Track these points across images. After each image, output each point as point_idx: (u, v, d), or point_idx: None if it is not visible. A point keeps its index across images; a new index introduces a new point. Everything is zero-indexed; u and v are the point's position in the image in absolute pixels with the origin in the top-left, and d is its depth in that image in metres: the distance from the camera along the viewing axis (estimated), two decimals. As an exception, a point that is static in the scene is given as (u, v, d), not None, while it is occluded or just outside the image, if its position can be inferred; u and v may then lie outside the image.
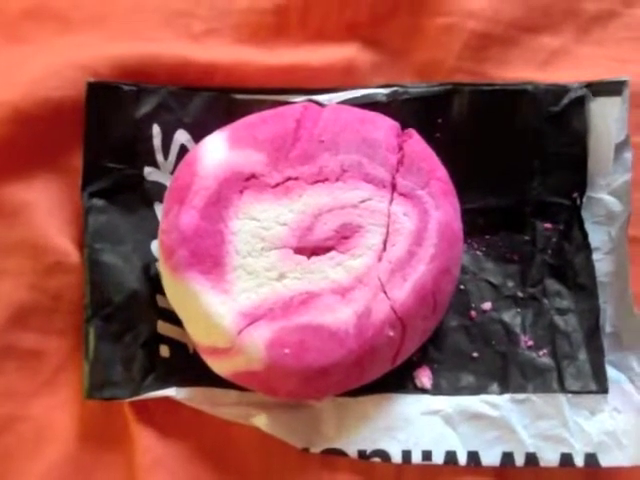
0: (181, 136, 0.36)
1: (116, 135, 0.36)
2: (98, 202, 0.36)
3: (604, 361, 0.35)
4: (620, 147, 0.36)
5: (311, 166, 0.32)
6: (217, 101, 0.37)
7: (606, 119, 0.36)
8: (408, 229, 0.32)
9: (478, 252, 0.37)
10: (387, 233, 0.32)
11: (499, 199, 0.37)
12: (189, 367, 0.34)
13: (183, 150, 0.36)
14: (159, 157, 0.36)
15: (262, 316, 0.31)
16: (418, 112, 0.37)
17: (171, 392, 0.34)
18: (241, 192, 0.32)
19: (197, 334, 0.32)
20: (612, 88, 0.37)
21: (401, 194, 0.33)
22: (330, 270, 0.31)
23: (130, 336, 0.34)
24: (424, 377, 0.35)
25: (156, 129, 0.36)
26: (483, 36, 0.39)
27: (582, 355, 0.35)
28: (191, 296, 0.31)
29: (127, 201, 0.36)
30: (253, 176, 0.32)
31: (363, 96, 0.37)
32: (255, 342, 0.31)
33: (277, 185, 0.32)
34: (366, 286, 0.31)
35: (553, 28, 0.40)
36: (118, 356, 0.34)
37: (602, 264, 0.36)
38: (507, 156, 0.37)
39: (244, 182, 0.32)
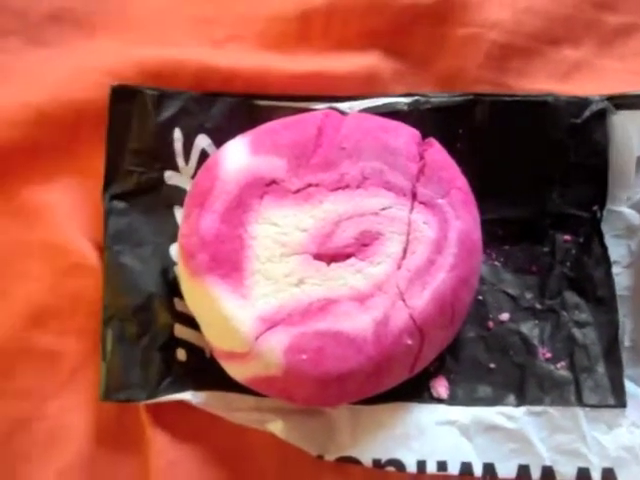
0: (202, 141, 0.37)
1: (138, 139, 0.36)
2: (119, 204, 0.36)
3: (623, 375, 0.35)
4: (640, 161, 0.36)
5: (332, 173, 0.32)
6: (239, 107, 0.37)
7: (628, 132, 0.36)
8: (428, 237, 0.32)
9: (496, 263, 0.37)
10: (407, 241, 0.32)
11: (519, 210, 0.37)
12: (206, 371, 0.34)
13: (204, 155, 0.36)
14: (180, 161, 0.36)
15: (280, 321, 0.31)
16: (439, 122, 0.37)
17: (187, 396, 0.34)
18: (261, 197, 0.32)
19: (215, 338, 0.32)
20: (634, 101, 0.37)
21: (421, 202, 0.33)
22: (349, 277, 0.31)
23: (147, 339, 0.35)
24: (441, 387, 0.35)
25: (177, 133, 0.36)
26: (505, 47, 0.39)
27: (600, 368, 0.35)
28: (210, 300, 0.31)
29: (147, 204, 0.36)
30: (274, 182, 0.32)
31: (384, 105, 0.37)
32: (273, 347, 0.31)
33: (298, 191, 0.32)
34: (385, 294, 0.31)
35: (574, 40, 0.40)
36: (135, 358, 0.34)
37: (621, 278, 0.36)
38: (528, 167, 0.37)
39: (265, 187, 0.32)
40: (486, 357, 0.36)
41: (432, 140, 0.35)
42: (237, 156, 0.32)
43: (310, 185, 0.32)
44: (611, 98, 0.37)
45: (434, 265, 0.32)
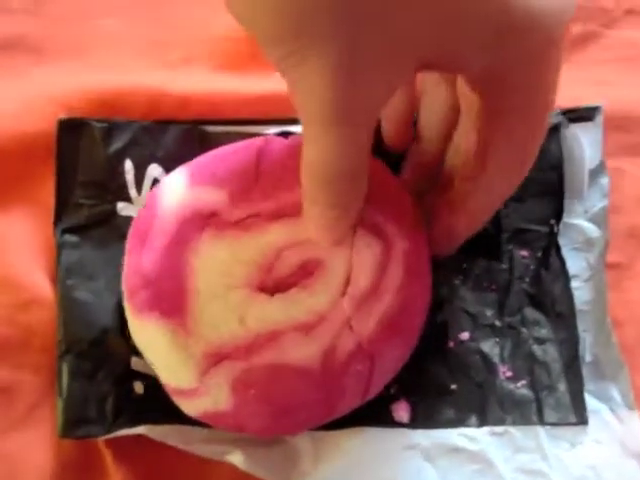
0: (154, 170, 0.36)
1: (88, 171, 0.36)
2: (71, 238, 0.35)
3: (583, 391, 0.34)
4: (595, 173, 0.36)
5: (272, 201, 0.32)
6: (189, 134, 0.37)
7: (580, 145, 0.36)
8: (371, 261, 0.31)
9: (455, 281, 0.37)
10: (350, 266, 0.31)
11: None
12: (163, 404, 0.34)
13: (156, 184, 0.36)
14: (132, 192, 0.36)
15: (226, 356, 0.30)
16: None
17: (143, 430, 0.33)
18: (202, 231, 0.31)
19: (162, 375, 0.32)
20: (586, 114, 0.36)
21: (363, 225, 0.32)
22: (294, 308, 0.31)
23: (103, 373, 0.34)
24: (402, 410, 0.35)
25: (129, 164, 0.36)
26: None
27: (561, 386, 0.34)
28: (154, 338, 0.31)
29: (100, 237, 0.36)
30: (214, 214, 0.31)
31: None
32: (220, 383, 0.30)
33: (238, 222, 0.31)
34: (330, 322, 0.31)
35: None
36: (91, 393, 0.34)
37: (581, 292, 0.36)
38: None
39: (205, 220, 0.31)
40: (447, 378, 0.35)
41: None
42: (175, 190, 0.32)
43: (250, 216, 0.31)
44: (565, 112, 0.37)
45: (379, 288, 0.31)
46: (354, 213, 0.29)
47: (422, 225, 0.33)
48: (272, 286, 0.31)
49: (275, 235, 0.31)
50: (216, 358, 0.30)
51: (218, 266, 0.31)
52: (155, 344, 0.31)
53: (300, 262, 0.31)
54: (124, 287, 0.32)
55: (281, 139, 0.34)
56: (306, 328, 0.30)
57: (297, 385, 0.30)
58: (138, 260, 0.31)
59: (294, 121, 0.37)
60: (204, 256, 0.31)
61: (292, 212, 0.31)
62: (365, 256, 0.31)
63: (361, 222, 0.32)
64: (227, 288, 0.31)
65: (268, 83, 0.38)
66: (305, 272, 0.31)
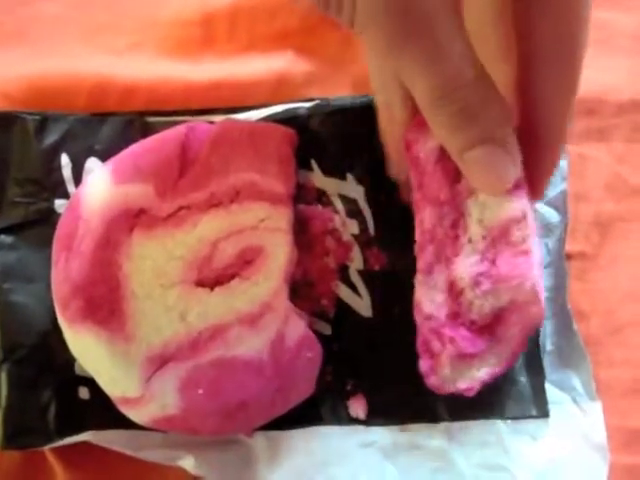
0: (93, 165, 0.34)
1: (22, 168, 0.34)
2: (7, 239, 0.34)
3: (544, 383, 0.33)
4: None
5: (203, 192, 0.30)
6: (130, 126, 0.35)
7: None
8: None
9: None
10: (292, 250, 0.30)
11: None
12: (109, 409, 0.32)
13: (95, 179, 0.34)
14: (70, 188, 0.34)
15: (170, 359, 0.29)
16: (341, 126, 0.35)
17: (89, 437, 0.32)
18: (131, 230, 0.30)
19: (105, 385, 0.30)
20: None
21: None
22: (236, 299, 0.29)
23: (45, 380, 0.32)
24: (358, 406, 0.34)
25: (65, 159, 0.34)
26: None
27: (522, 378, 0.33)
28: (92, 348, 0.29)
29: (38, 237, 0.34)
30: (142, 211, 0.30)
31: (284, 111, 0.35)
32: (166, 387, 0.29)
33: (169, 217, 0.30)
34: (276, 310, 0.29)
35: None
36: (33, 401, 0.32)
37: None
38: None
39: (133, 219, 0.30)
40: (407, 372, 0.34)
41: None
42: (99, 189, 0.30)
43: (181, 208, 0.30)
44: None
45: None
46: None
47: None
48: (212, 280, 0.30)
49: (209, 226, 0.30)
50: (159, 362, 0.29)
51: (152, 266, 0.29)
52: (93, 355, 0.29)
53: (238, 251, 0.30)
54: (54, 297, 0.30)
55: (206, 125, 0.33)
56: (251, 319, 0.29)
57: (247, 379, 0.29)
58: (66, 267, 0.29)
59: (239, 109, 0.35)
60: (136, 257, 0.29)
61: (225, 200, 0.30)
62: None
63: None
64: (164, 287, 0.29)
65: (220, 70, 0.37)
66: (245, 261, 0.30)
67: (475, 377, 0.27)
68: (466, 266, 0.26)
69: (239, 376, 0.29)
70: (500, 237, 0.26)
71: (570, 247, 0.35)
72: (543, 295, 0.27)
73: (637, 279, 0.36)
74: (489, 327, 0.27)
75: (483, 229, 0.26)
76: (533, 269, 0.25)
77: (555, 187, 0.35)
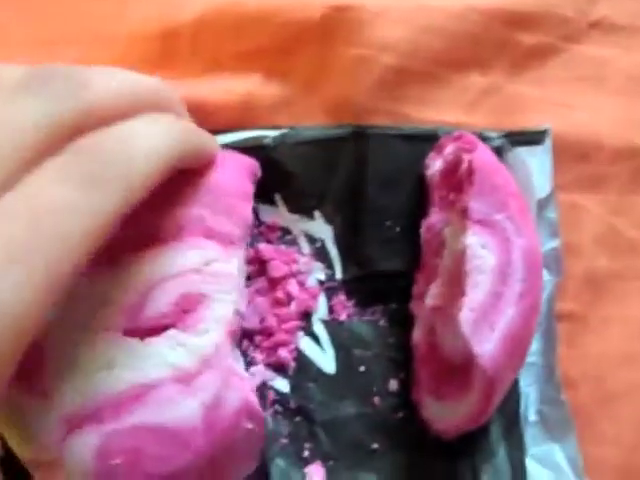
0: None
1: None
2: None
3: (524, 458, 0.29)
4: (544, 205, 0.31)
5: (134, 227, 0.25)
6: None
7: (527, 172, 0.32)
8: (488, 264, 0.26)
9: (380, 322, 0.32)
10: (240, 297, 0.26)
11: (402, 262, 0.32)
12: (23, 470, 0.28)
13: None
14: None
15: (88, 419, 0.24)
16: (310, 158, 0.32)
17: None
18: None
19: (16, 447, 0.26)
20: (534, 137, 0.32)
21: (477, 222, 0.27)
22: (169, 353, 0.25)
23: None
24: (316, 475, 0.30)
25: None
26: (401, 71, 0.34)
27: (501, 451, 0.30)
28: (3, 406, 0.25)
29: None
30: None
31: (248, 139, 0.32)
32: (80, 453, 0.24)
33: (98, 259, 0.26)
34: (215, 369, 0.25)
35: (482, 64, 0.35)
36: None
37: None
38: (412, 212, 0.32)
39: None
40: (369, 438, 0.30)
41: (469, 137, 0.30)
42: None
43: (111, 248, 0.25)
44: (508, 135, 0.32)
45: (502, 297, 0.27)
46: None
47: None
48: (143, 329, 0.25)
49: (144, 266, 0.25)
50: (76, 422, 0.24)
51: (75, 312, 0.25)
52: (4, 413, 0.25)
53: (176, 297, 0.25)
54: None
55: None
56: (186, 378, 0.24)
57: (172, 451, 0.24)
58: None
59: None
60: (57, 304, 0.25)
61: (166, 237, 0.26)
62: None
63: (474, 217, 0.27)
64: (89, 336, 0.25)
65: (184, 88, 0.33)
66: (183, 310, 0.25)
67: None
68: None
69: (164, 447, 0.24)
70: None
71: (558, 306, 0.32)
72: None
73: (631, 343, 0.32)
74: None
75: None
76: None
77: (545, 243, 0.31)
